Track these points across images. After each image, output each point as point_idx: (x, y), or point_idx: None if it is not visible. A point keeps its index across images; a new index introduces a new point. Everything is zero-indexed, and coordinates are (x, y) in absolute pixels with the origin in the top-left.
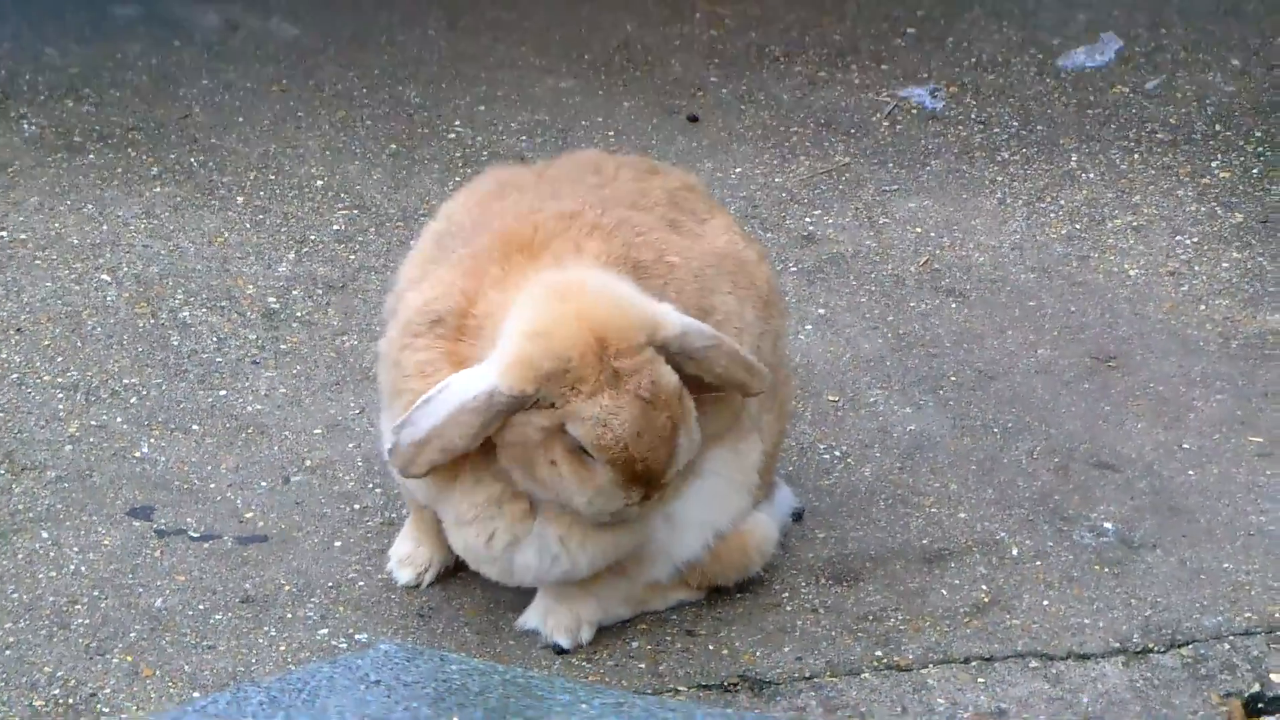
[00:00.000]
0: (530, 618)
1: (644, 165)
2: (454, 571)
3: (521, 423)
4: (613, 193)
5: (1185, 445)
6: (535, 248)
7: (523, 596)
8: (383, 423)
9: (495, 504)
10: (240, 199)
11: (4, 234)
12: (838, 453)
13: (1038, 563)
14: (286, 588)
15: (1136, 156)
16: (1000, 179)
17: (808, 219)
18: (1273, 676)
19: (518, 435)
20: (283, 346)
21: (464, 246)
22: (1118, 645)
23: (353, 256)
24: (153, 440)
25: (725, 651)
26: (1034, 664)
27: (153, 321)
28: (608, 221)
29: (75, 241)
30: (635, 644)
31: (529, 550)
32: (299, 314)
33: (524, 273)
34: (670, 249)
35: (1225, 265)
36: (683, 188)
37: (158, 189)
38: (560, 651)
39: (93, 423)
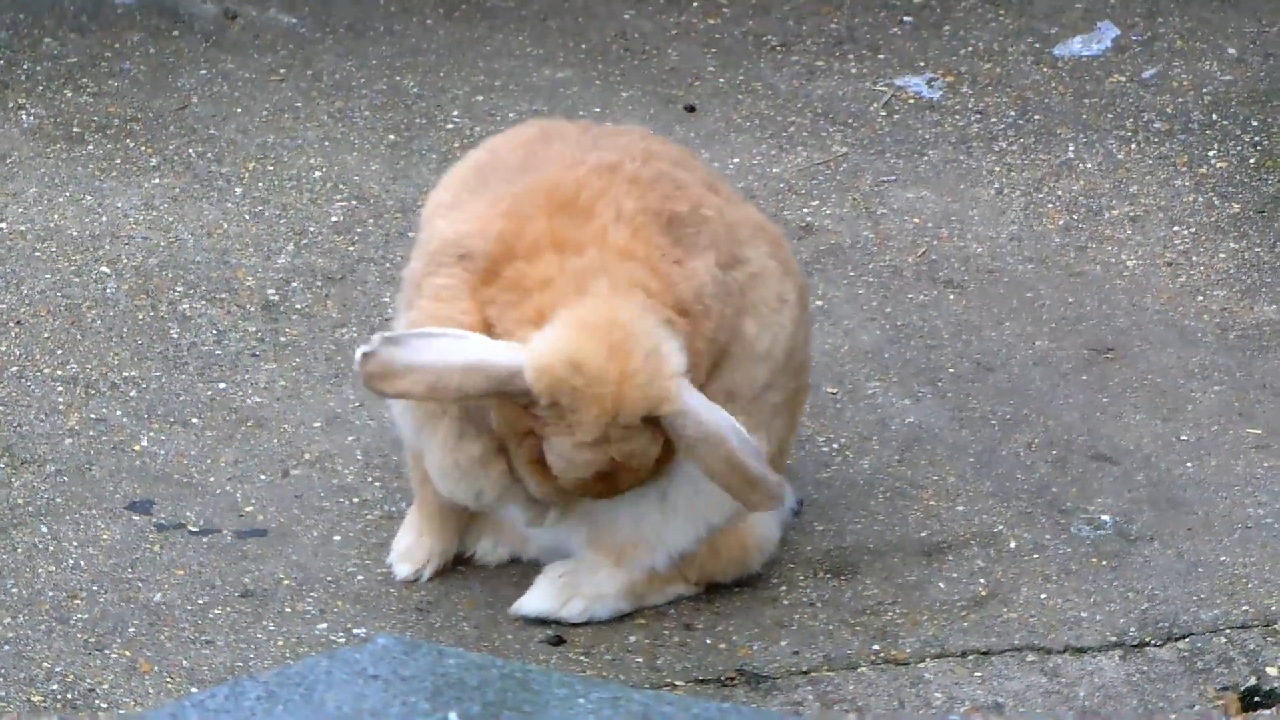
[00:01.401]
0: (527, 602)
1: (687, 152)
2: (453, 565)
3: (514, 409)
4: (659, 150)
5: (1183, 437)
6: (580, 207)
7: (522, 589)
8: None
9: (479, 464)
10: (239, 190)
11: (3, 225)
12: (836, 445)
13: (1035, 556)
14: (285, 582)
15: (1133, 146)
16: (998, 169)
17: (805, 209)
18: (1269, 670)
19: (509, 411)
20: (282, 339)
21: (506, 184)
22: (1115, 639)
23: (351, 248)
24: (152, 434)
25: (722, 645)
26: (1031, 658)
27: (152, 314)
28: (647, 174)
29: (74, 233)
30: (633, 638)
31: (514, 499)
32: (298, 306)
33: (574, 242)
34: (707, 204)
35: (1222, 256)
36: (721, 178)
37: (156, 180)
38: (557, 643)
39: (92, 416)
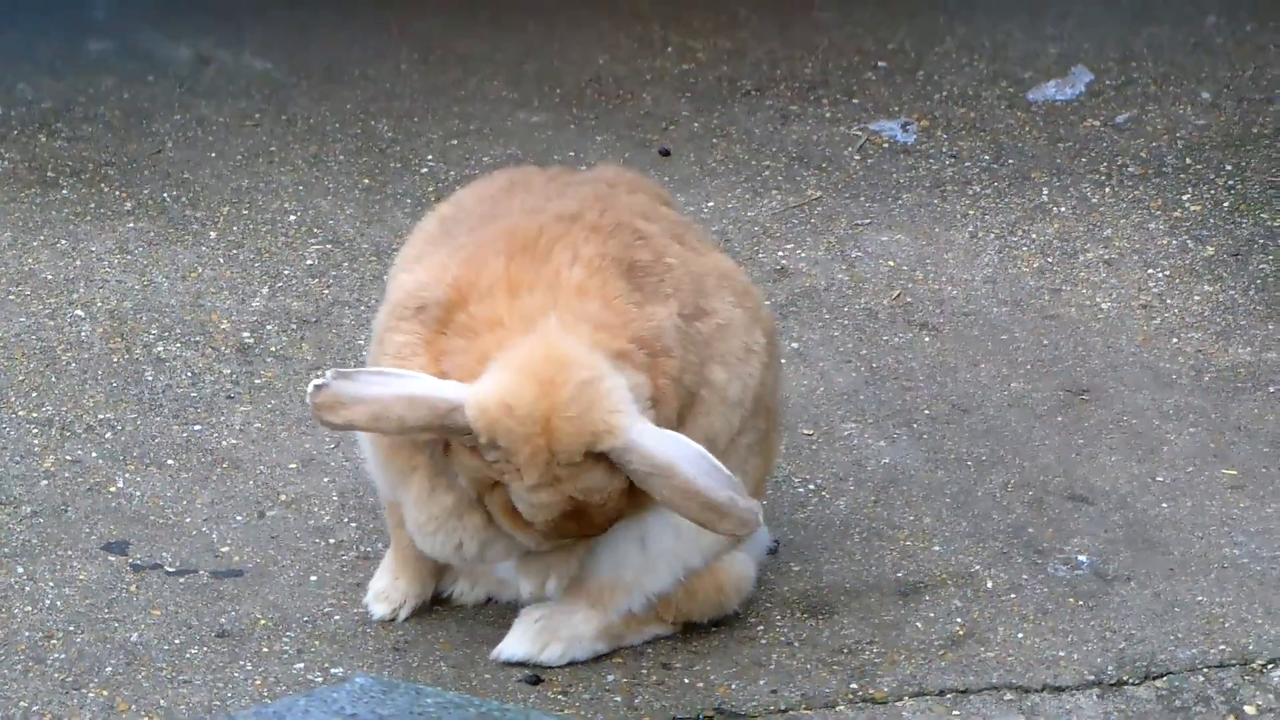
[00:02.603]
0: (506, 646)
1: (662, 194)
2: (430, 605)
3: (471, 459)
4: (622, 201)
5: (1159, 478)
6: (538, 251)
7: (499, 630)
8: None
9: (455, 516)
10: (213, 234)
11: None
12: (812, 486)
13: (1012, 595)
14: (262, 622)
15: (1108, 190)
16: (972, 212)
17: (780, 253)
18: (1246, 709)
19: (468, 463)
20: (257, 381)
21: (469, 235)
22: (1092, 678)
23: (326, 291)
24: (128, 475)
25: (700, 684)
26: (1009, 696)
27: (127, 356)
28: (607, 222)
29: (49, 277)
30: (610, 677)
31: (499, 552)
32: (273, 349)
33: (528, 283)
34: (670, 253)
35: (1197, 298)
36: (691, 224)
37: (131, 224)
38: (535, 682)
39: (68, 458)
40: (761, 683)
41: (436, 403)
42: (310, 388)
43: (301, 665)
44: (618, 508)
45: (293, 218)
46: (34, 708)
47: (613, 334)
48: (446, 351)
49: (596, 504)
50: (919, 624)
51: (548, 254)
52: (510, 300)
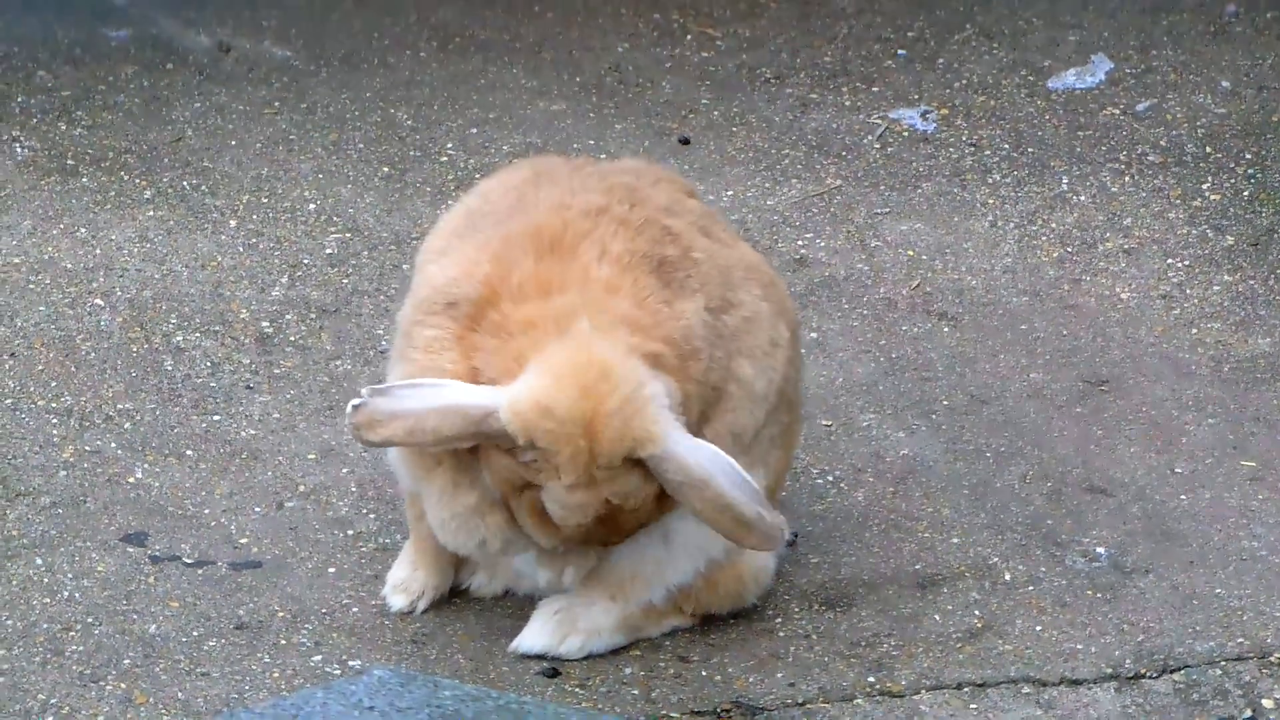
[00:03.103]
0: (525, 639)
1: (685, 185)
2: (449, 597)
3: (504, 461)
4: (648, 195)
5: (1177, 470)
6: (565, 248)
7: (517, 622)
8: None
9: (477, 514)
10: (233, 223)
11: None
12: (830, 478)
13: (1030, 588)
14: (280, 614)
15: (1127, 179)
16: (991, 201)
17: (799, 242)
18: (1264, 702)
19: (500, 465)
20: (276, 371)
21: (495, 229)
22: (1110, 671)
23: (345, 280)
24: (147, 466)
25: (718, 677)
26: (1026, 689)
27: (146, 346)
28: (635, 217)
29: (69, 265)
30: (628, 670)
31: (518, 549)
32: (292, 338)
33: (558, 282)
34: (697, 247)
35: (1216, 288)
36: (716, 215)
37: (150, 212)
38: (553, 675)
39: (87, 448)
40: (779, 675)
41: (470, 410)
42: (349, 408)
43: (319, 657)
44: (647, 514)
45: (312, 206)
46: (52, 700)
47: (645, 335)
48: (478, 349)
49: (629, 509)
50: (937, 616)
51: (574, 251)
52: (542, 301)
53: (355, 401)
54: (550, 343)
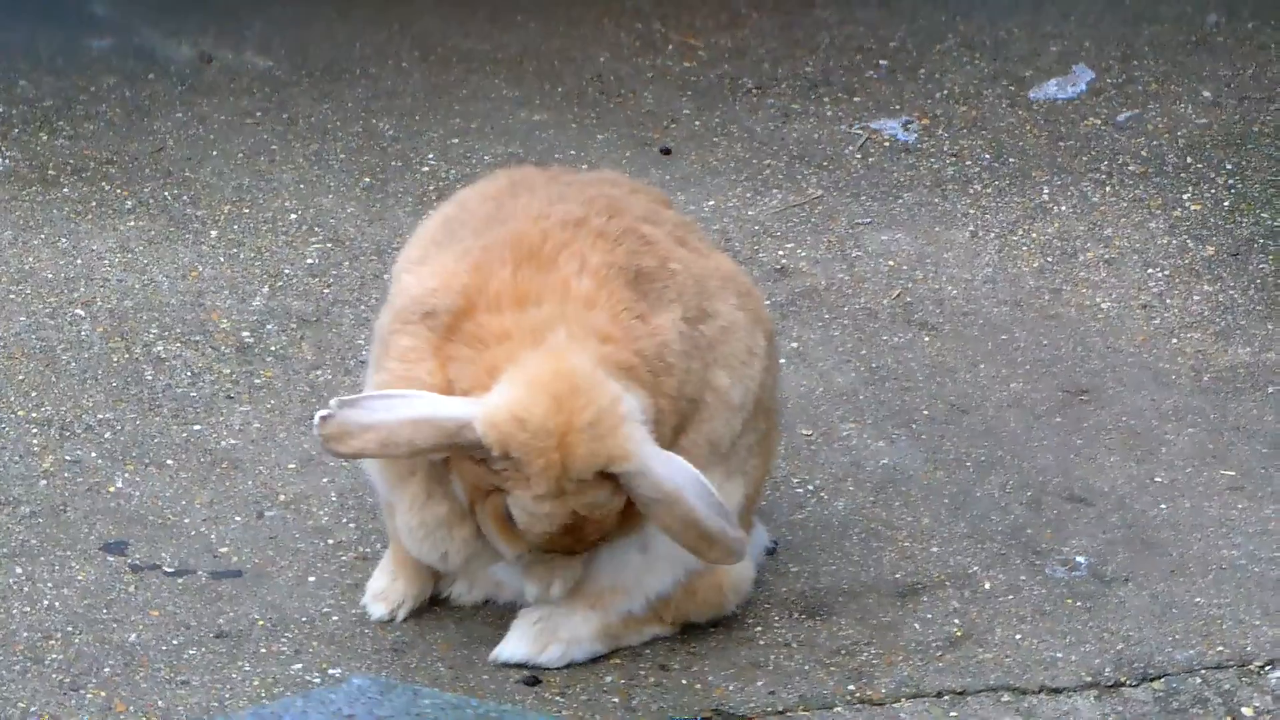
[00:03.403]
0: (505, 648)
1: (660, 196)
2: (429, 605)
3: (473, 466)
4: (625, 204)
5: (1157, 479)
6: (544, 259)
7: (497, 631)
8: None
9: (445, 526)
10: (214, 233)
11: None
12: (810, 487)
13: (1010, 596)
14: (260, 623)
15: (1108, 189)
16: (972, 211)
17: (780, 252)
18: (1244, 710)
19: (469, 470)
20: (256, 381)
21: (473, 238)
22: (1090, 679)
23: (326, 290)
24: (127, 475)
25: (698, 686)
26: (1006, 698)
27: (127, 356)
28: (613, 229)
29: (49, 275)
30: (609, 678)
31: (481, 563)
32: (273, 348)
33: (535, 294)
34: (674, 258)
35: (1197, 298)
36: (692, 225)
37: (132, 223)
38: (533, 683)
39: (67, 458)
40: (759, 684)
41: (444, 422)
42: (316, 419)
43: (300, 666)
44: (611, 525)
45: (293, 216)
46: (32, 708)
47: (618, 347)
48: (454, 358)
49: (594, 520)
50: (917, 625)
51: (553, 262)
52: (518, 312)
53: (323, 413)
54: (525, 354)
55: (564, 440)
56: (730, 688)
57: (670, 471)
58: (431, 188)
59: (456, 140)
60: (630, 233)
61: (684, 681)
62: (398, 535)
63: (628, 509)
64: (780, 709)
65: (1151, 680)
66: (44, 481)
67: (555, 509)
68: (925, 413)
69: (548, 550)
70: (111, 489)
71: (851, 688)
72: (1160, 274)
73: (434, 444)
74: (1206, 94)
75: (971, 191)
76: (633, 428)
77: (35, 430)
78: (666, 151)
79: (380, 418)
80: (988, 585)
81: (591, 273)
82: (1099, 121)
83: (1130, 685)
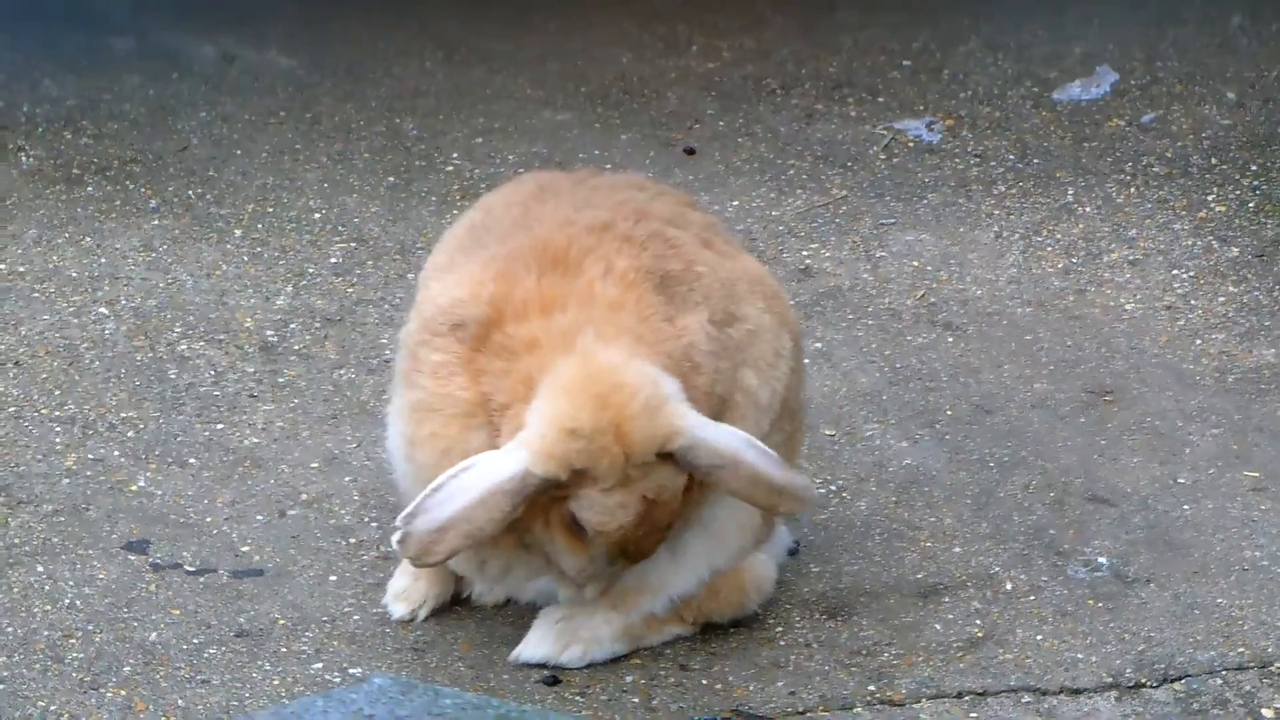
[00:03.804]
0: (526, 648)
1: (685, 199)
2: (450, 605)
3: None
4: (651, 209)
5: (1181, 480)
6: (570, 265)
7: (518, 630)
8: (391, 408)
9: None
10: (238, 232)
11: (2, 266)
12: (833, 487)
13: (1032, 597)
14: (281, 622)
15: (1133, 190)
16: (997, 212)
17: (804, 252)
18: (1265, 712)
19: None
20: (280, 380)
21: (499, 245)
22: (1111, 680)
23: (350, 290)
24: (149, 474)
25: (719, 686)
26: (1027, 699)
27: (150, 355)
28: (640, 233)
29: (73, 274)
30: (629, 678)
31: (521, 573)
32: (296, 347)
33: (561, 300)
34: (701, 261)
35: (1221, 299)
36: (718, 226)
37: (156, 222)
38: (553, 683)
39: (89, 456)
40: (780, 684)
41: (506, 485)
42: (396, 544)
43: (320, 665)
44: (678, 509)
45: (317, 215)
46: (52, 707)
47: (648, 348)
48: (485, 371)
49: (663, 503)
50: (938, 625)
51: (579, 267)
52: (545, 319)
53: (396, 538)
54: (556, 361)
55: (620, 432)
56: (751, 688)
57: (724, 437)
58: (455, 187)
59: (480, 140)
60: (656, 237)
61: (704, 681)
62: None
63: (689, 488)
64: (800, 709)
65: (1172, 681)
66: (66, 480)
67: (626, 498)
68: (949, 413)
69: (620, 553)
70: (134, 488)
71: (872, 688)
72: (1185, 275)
73: (509, 509)
74: (1231, 95)
75: (996, 192)
76: (678, 404)
77: (58, 429)
78: (690, 152)
79: (448, 512)
80: (1009, 586)
81: (617, 277)
82: (1123, 123)
83: (1151, 686)
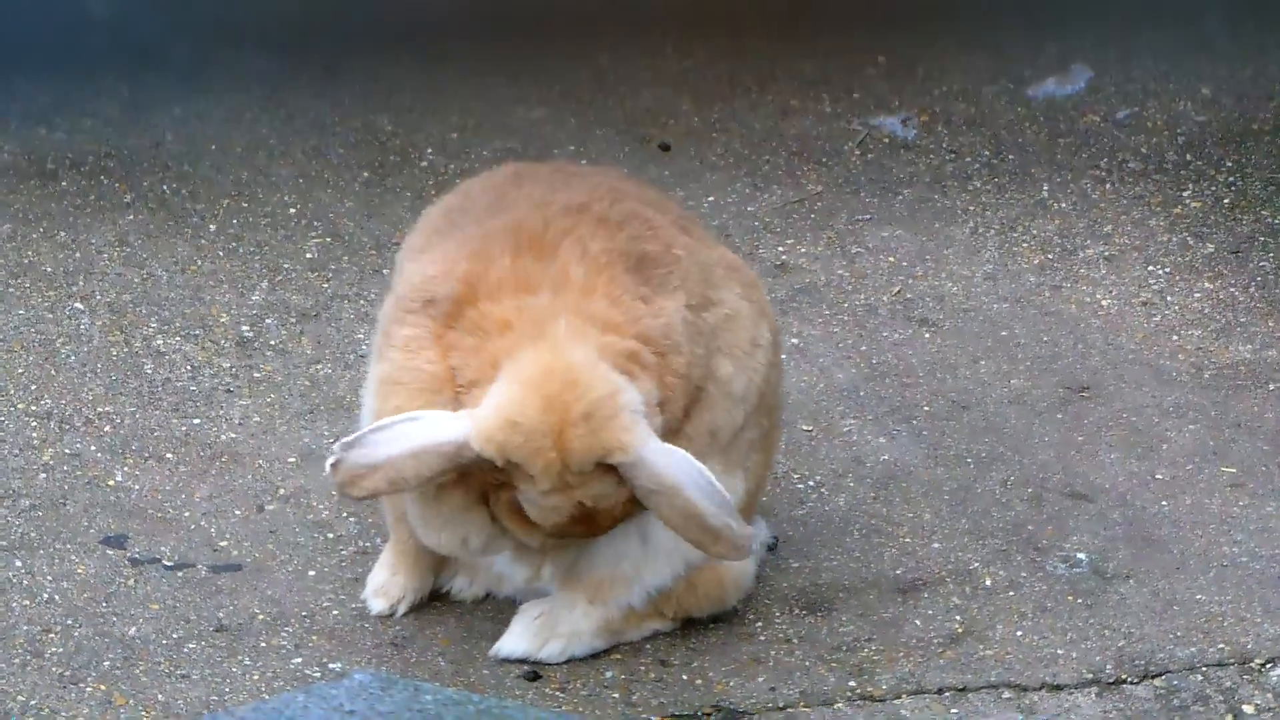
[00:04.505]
0: (505, 644)
1: (661, 193)
2: (429, 600)
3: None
4: (630, 191)
5: (1158, 476)
6: (545, 246)
7: (497, 625)
8: (364, 387)
9: (462, 511)
10: (213, 227)
11: None
12: (811, 483)
13: (1011, 593)
14: (260, 616)
15: (1108, 186)
16: (972, 208)
17: (780, 248)
18: (1245, 708)
19: (478, 471)
20: (256, 375)
21: (475, 226)
22: (1091, 676)
23: (326, 285)
24: (126, 469)
25: (699, 681)
26: (1007, 695)
27: (126, 350)
28: (616, 214)
29: (48, 269)
30: (609, 674)
31: (502, 547)
32: (272, 342)
33: (535, 282)
34: (679, 244)
35: (1197, 296)
36: (696, 219)
37: (131, 217)
38: (533, 678)
39: (66, 451)
40: (760, 680)
41: (442, 447)
42: (328, 467)
43: (299, 660)
44: (624, 512)
45: (292, 211)
46: (31, 702)
47: (620, 334)
48: (455, 347)
49: (605, 509)
50: (918, 621)
51: (555, 249)
52: (518, 301)
53: (331, 459)
54: (524, 347)
55: (560, 437)
56: (731, 684)
57: (671, 463)
58: (430, 182)
59: (455, 135)
60: (634, 217)
61: (684, 677)
62: (401, 531)
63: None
64: (781, 705)
65: (1153, 677)
66: (44, 475)
67: (562, 502)
68: (926, 409)
69: (566, 537)
70: (111, 482)
71: (852, 684)
72: (1161, 271)
73: (439, 470)
74: (1206, 91)
75: (971, 188)
76: (631, 419)
77: (35, 424)
78: (665, 148)
79: (382, 455)
80: (989, 582)
81: (592, 259)
82: (1098, 119)
83: (1131, 682)
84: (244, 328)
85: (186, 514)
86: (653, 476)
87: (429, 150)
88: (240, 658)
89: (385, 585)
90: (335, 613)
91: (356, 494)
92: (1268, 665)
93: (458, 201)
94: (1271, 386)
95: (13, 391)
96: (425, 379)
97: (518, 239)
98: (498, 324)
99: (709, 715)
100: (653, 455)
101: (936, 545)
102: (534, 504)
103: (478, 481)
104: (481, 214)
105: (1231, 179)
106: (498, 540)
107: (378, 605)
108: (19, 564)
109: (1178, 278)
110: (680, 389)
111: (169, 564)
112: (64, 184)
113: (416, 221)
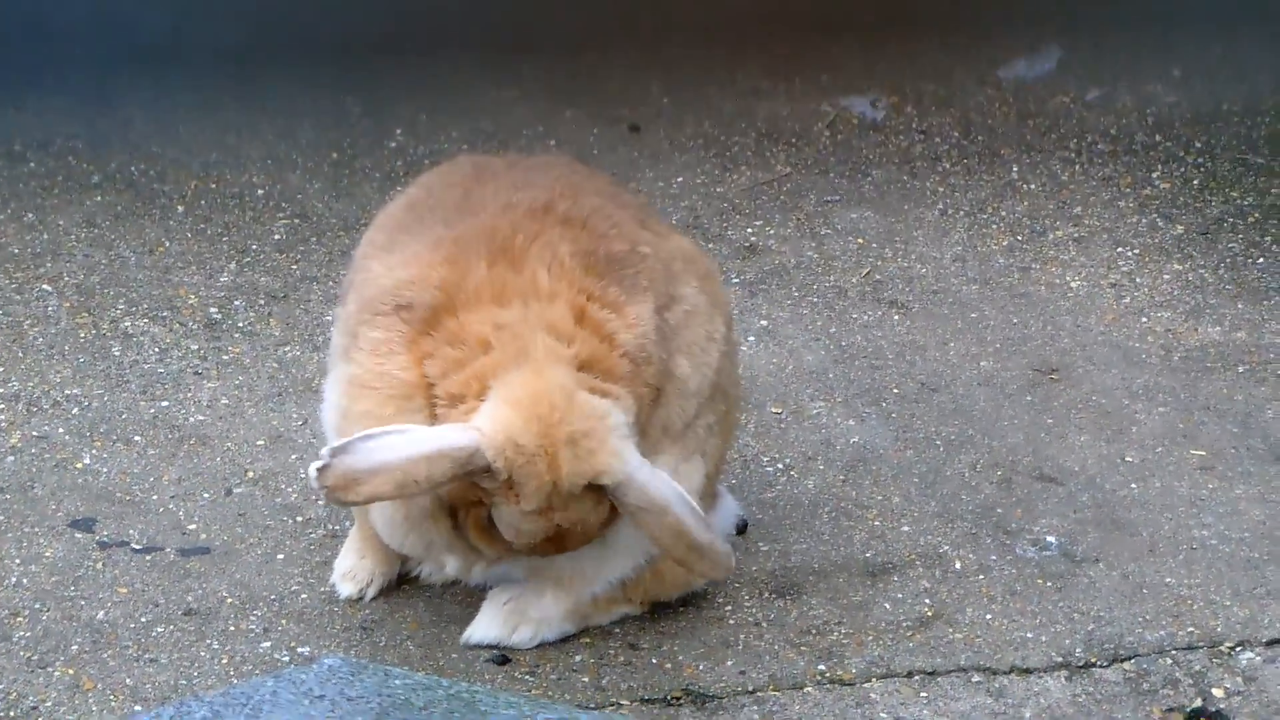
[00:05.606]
0: (476, 630)
1: (616, 184)
2: (398, 584)
3: (461, 483)
4: (588, 184)
5: (1127, 458)
6: (515, 253)
7: (467, 609)
8: (327, 380)
9: (429, 518)
10: (181, 208)
11: None
12: (780, 465)
13: (980, 576)
14: (229, 600)
15: (1077, 167)
16: (941, 190)
17: (749, 229)
18: (1214, 691)
19: (456, 486)
20: (225, 357)
21: (445, 227)
22: (1060, 659)
23: (294, 266)
24: (95, 451)
25: (668, 665)
26: (976, 678)
27: (94, 332)
28: (579, 212)
29: (15, 251)
30: (578, 658)
31: (462, 550)
32: (241, 324)
33: (510, 293)
34: (642, 241)
35: (1166, 277)
36: (650, 207)
37: (98, 198)
38: (503, 662)
39: (34, 434)
40: (729, 663)
41: (456, 453)
42: (312, 472)
43: (268, 644)
44: (591, 534)
45: (260, 192)
46: None
47: (597, 347)
48: (431, 355)
49: (576, 532)
50: (887, 605)
51: (525, 256)
52: (495, 315)
53: (318, 464)
54: (510, 368)
55: (554, 460)
56: (700, 667)
57: (658, 483)
58: (399, 163)
59: (424, 116)
60: (597, 213)
61: (654, 661)
62: (367, 519)
63: (607, 519)
64: (750, 689)
65: (1122, 661)
66: (11, 458)
67: (540, 523)
68: (895, 391)
69: (529, 555)
70: (79, 465)
71: (822, 668)
72: (1130, 253)
73: (450, 475)
74: (1176, 72)
75: (940, 169)
76: (619, 442)
77: (2, 406)
78: (635, 128)
79: (388, 459)
80: (958, 565)
81: (561, 266)
82: (1068, 99)
83: (1101, 666)
84: (212, 309)
85: (155, 497)
86: (644, 495)
87: (398, 131)
88: (209, 641)
89: (353, 569)
90: (304, 596)
91: (353, 499)
92: (1237, 649)
93: (421, 196)
94: (1240, 369)
95: None
96: (396, 385)
97: (490, 244)
98: (478, 340)
99: (678, 699)
100: (641, 475)
101: (906, 528)
102: (510, 523)
103: (454, 493)
104: (449, 213)
105: (1200, 160)
106: (458, 546)
107: (346, 589)
108: None
109: (1147, 259)
110: (647, 398)
111: (137, 547)
112: (31, 165)
113: (376, 216)
